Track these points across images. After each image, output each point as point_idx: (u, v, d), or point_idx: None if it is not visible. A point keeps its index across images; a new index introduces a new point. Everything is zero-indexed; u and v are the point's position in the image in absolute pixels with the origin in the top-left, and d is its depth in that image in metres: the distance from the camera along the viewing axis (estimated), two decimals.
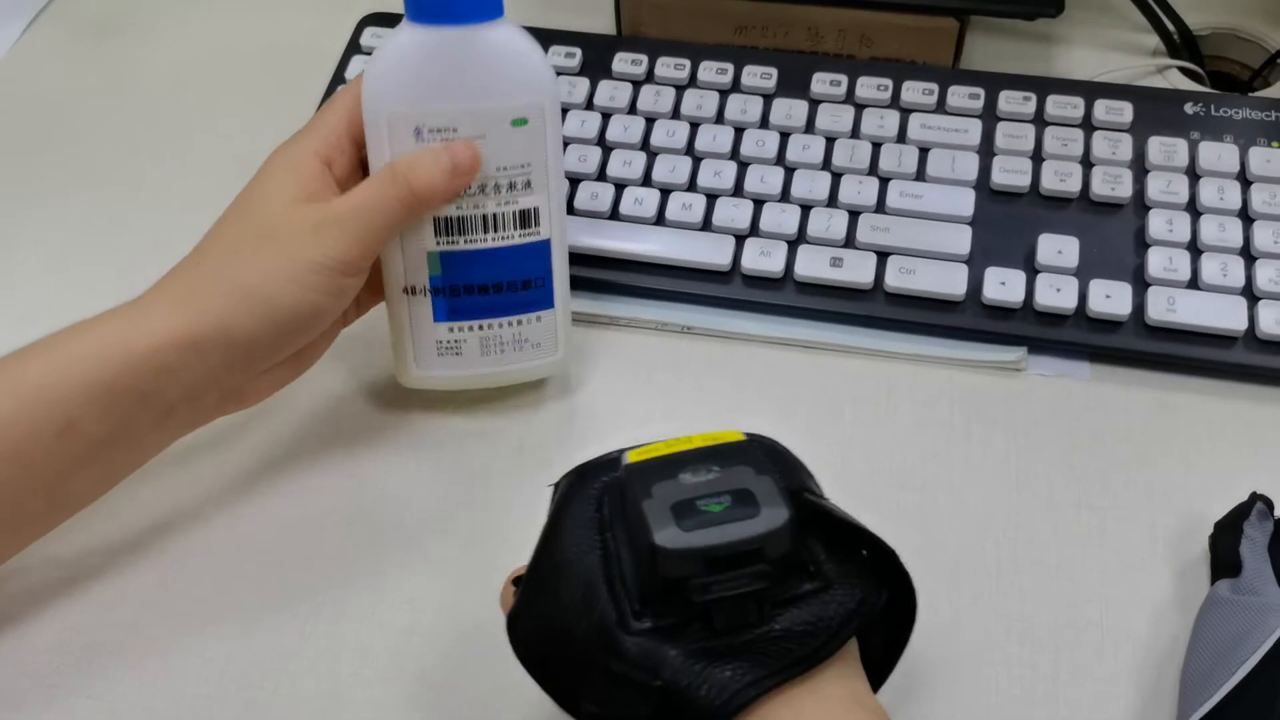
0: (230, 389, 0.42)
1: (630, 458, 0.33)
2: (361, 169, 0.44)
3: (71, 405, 0.39)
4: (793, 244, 0.52)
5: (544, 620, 0.33)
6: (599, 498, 0.34)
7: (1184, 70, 0.62)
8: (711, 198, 0.53)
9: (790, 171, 0.54)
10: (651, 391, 0.50)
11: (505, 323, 0.46)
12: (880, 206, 0.53)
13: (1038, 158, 0.54)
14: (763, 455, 0.33)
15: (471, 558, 0.45)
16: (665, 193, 0.54)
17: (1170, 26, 0.63)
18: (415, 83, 0.42)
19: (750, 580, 0.31)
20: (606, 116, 0.56)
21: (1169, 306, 0.49)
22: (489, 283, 0.45)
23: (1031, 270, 0.50)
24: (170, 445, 0.43)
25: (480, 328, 0.46)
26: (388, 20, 0.62)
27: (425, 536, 0.46)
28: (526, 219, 0.44)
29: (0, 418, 0.38)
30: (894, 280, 0.50)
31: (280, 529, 0.46)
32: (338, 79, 0.60)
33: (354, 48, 0.61)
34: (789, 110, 0.56)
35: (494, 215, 0.44)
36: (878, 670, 0.35)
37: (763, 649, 0.31)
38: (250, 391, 0.44)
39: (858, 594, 0.32)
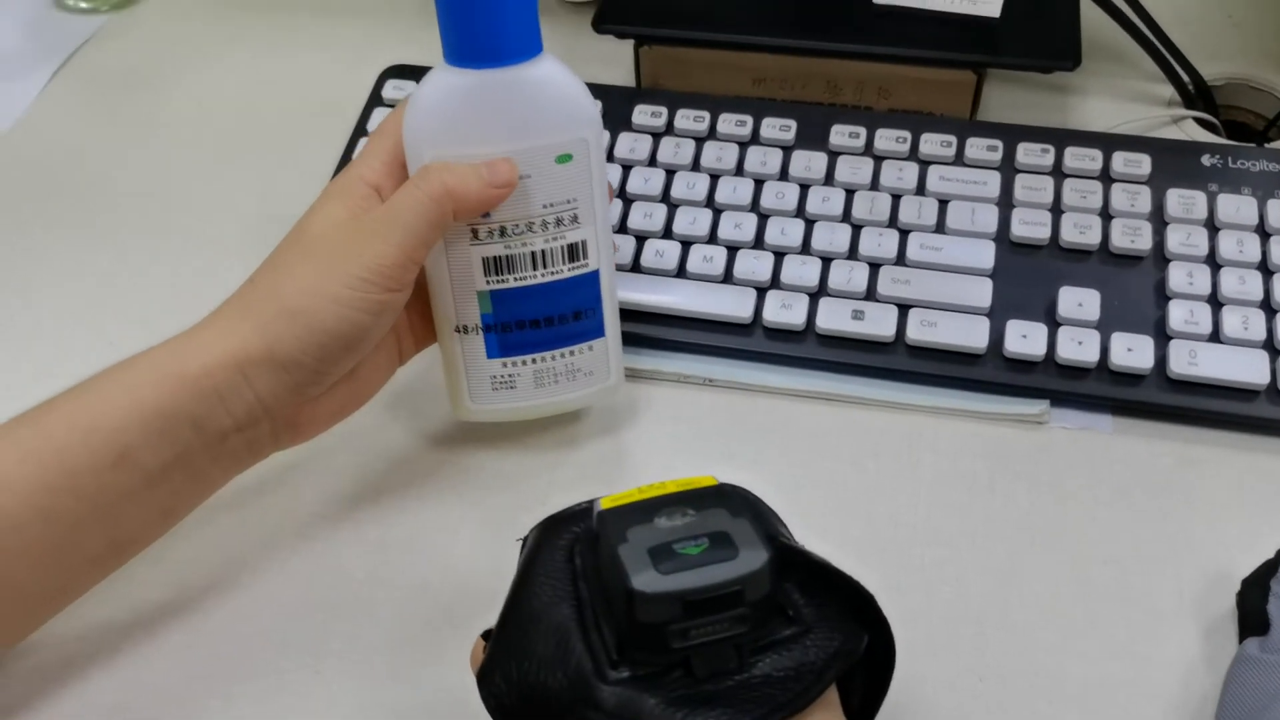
0: (283, 419, 0.42)
1: (604, 504, 0.33)
2: None
3: (126, 434, 0.39)
4: (814, 296, 0.52)
5: (517, 674, 0.32)
6: (570, 548, 0.33)
7: (1199, 120, 0.63)
8: (732, 250, 0.54)
9: (810, 223, 0.54)
10: (674, 444, 0.50)
11: (558, 354, 0.46)
12: (901, 259, 0.53)
13: (1057, 210, 0.54)
14: (738, 500, 0.33)
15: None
16: (686, 245, 0.54)
17: (1185, 77, 0.63)
18: (456, 126, 0.42)
19: (730, 625, 0.30)
20: (627, 169, 0.57)
21: (1191, 360, 0.49)
22: (540, 317, 0.45)
23: (1053, 323, 0.51)
24: (226, 484, 0.43)
25: (533, 361, 0.46)
26: (410, 72, 0.63)
27: (461, 600, 0.46)
28: (575, 252, 0.45)
29: (56, 447, 0.38)
30: (915, 333, 0.51)
31: (304, 588, 0.46)
32: (360, 130, 0.61)
33: (376, 99, 0.62)
34: (808, 162, 0.56)
35: (542, 251, 0.44)
36: (858, 717, 0.35)
37: (744, 695, 0.30)
38: (304, 423, 0.43)
39: (838, 638, 0.32)
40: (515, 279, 0.44)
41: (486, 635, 0.34)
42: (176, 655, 0.44)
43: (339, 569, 0.46)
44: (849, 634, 0.32)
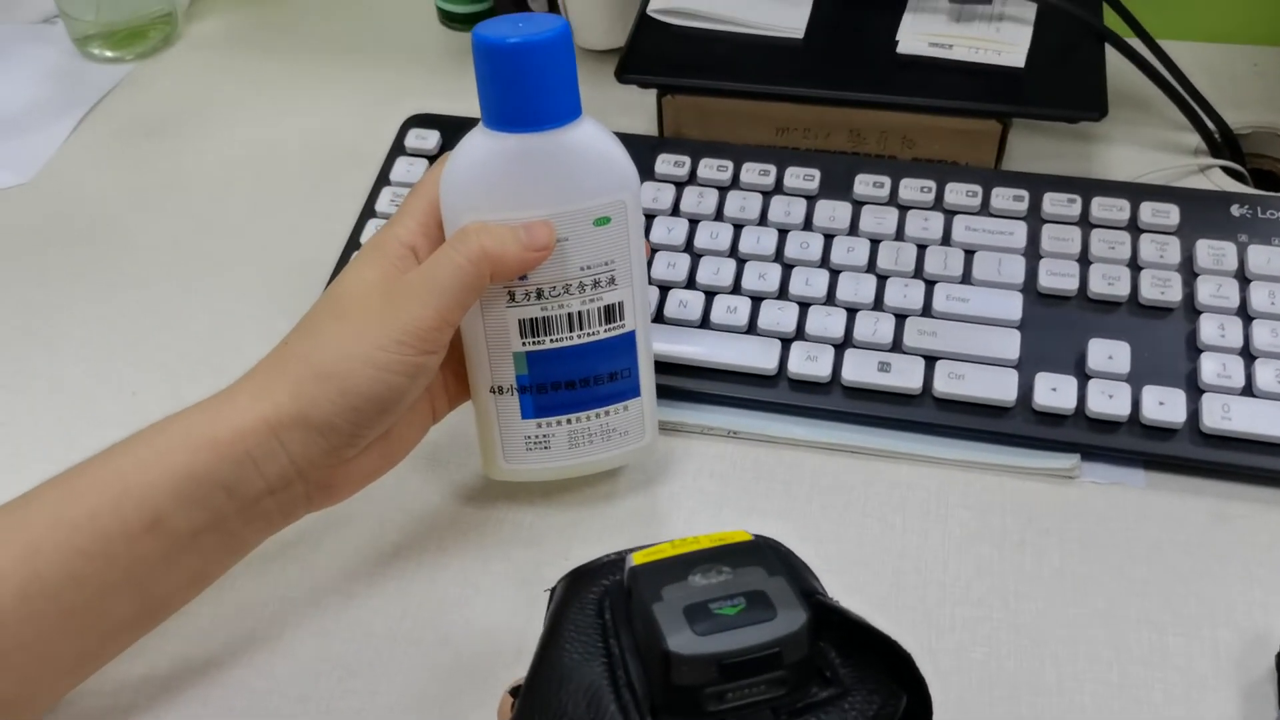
0: (316, 481, 0.42)
1: (636, 559, 0.32)
2: None
3: (159, 498, 0.38)
4: (839, 348, 0.52)
5: None
6: (599, 602, 0.32)
7: (1226, 169, 0.62)
8: (756, 300, 0.53)
9: (835, 274, 0.54)
10: (698, 498, 0.49)
11: (593, 415, 0.46)
12: (927, 310, 0.52)
13: (1085, 260, 0.54)
14: (773, 556, 0.32)
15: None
16: (710, 295, 0.54)
17: (1211, 126, 0.63)
18: (494, 190, 0.42)
19: (767, 687, 0.29)
20: (650, 218, 0.57)
21: (1224, 414, 0.48)
22: (576, 378, 0.45)
23: (1083, 375, 0.50)
24: (260, 545, 0.43)
25: (568, 421, 0.46)
26: (432, 122, 0.63)
27: (484, 657, 0.45)
28: (611, 314, 0.44)
29: (88, 512, 0.38)
30: (943, 385, 0.50)
31: (323, 643, 0.45)
32: (382, 180, 0.61)
33: (399, 149, 0.62)
34: (832, 212, 0.56)
35: (579, 313, 0.44)
36: None
37: None
38: (338, 484, 0.43)
39: (876, 701, 0.31)
40: (551, 340, 0.44)
41: (515, 691, 0.33)
42: (192, 710, 0.43)
43: (358, 624, 0.46)
44: (887, 696, 0.31)
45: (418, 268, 0.41)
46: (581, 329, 0.44)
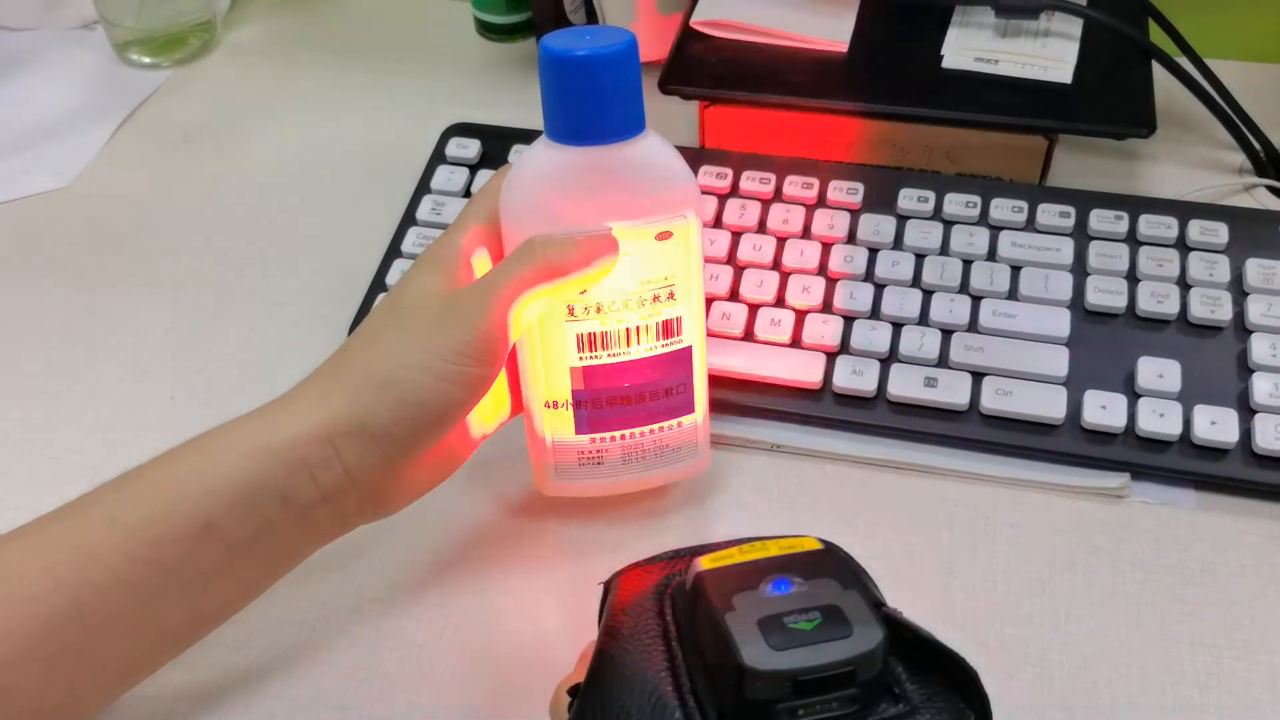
0: (370, 491, 0.41)
1: (704, 564, 0.31)
2: None
3: (212, 505, 0.38)
4: (884, 362, 0.51)
5: None
6: (659, 601, 0.32)
7: (1272, 189, 0.62)
8: (800, 314, 0.53)
9: (880, 288, 0.53)
10: (742, 513, 0.49)
11: (647, 431, 0.45)
12: (973, 325, 0.52)
13: (1133, 278, 0.53)
14: (844, 567, 0.32)
15: None
16: (754, 308, 0.53)
17: (1256, 145, 0.62)
18: (556, 203, 0.41)
19: (838, 705, 0.29)
20: None
21: (1277, 434, 0.47)
22: (632, 393, 0.44)
23: (1132, 394, 0.49)
24: (312, 555, 0.42)
25: (622, 437, 0.45)
26: (473, 131, 0.63)
27: (526, 670, 0.44)
28: (669, 329, 0.44)
29: (142, 518, 0.38)
30: (990, 402, 0.49)
31: (364, 653, 0.45)
32: (423, 188, 0.61)
33: (439, 157, 0.62)
34: (877, 226, 0.56)
35: (637, 328, 0.43)
36: None
37: None
38: (391, 495, 0.42)
39: (945, 719, 0.30)
40: (609, 355, 0.43)
41: (574, 690, 0.33)
42: (233, 718, 0.43)
43: (401, 633, 0.45)
44: (955, 714, 0.31)
45: (480, 278, 0.41)
46: (639, 344, 0.43)
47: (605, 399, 0.44)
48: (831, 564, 0.31)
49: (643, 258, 0.42)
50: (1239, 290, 0.53)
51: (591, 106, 0.39)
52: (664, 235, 0.42)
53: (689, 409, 0.45)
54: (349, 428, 0.39)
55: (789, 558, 0.31)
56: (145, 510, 0.38)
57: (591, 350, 0.43)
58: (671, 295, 0.43)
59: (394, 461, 0.40)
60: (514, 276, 0.40)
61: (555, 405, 0.44)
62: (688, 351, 0.44)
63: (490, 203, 0.43)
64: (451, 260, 0.42)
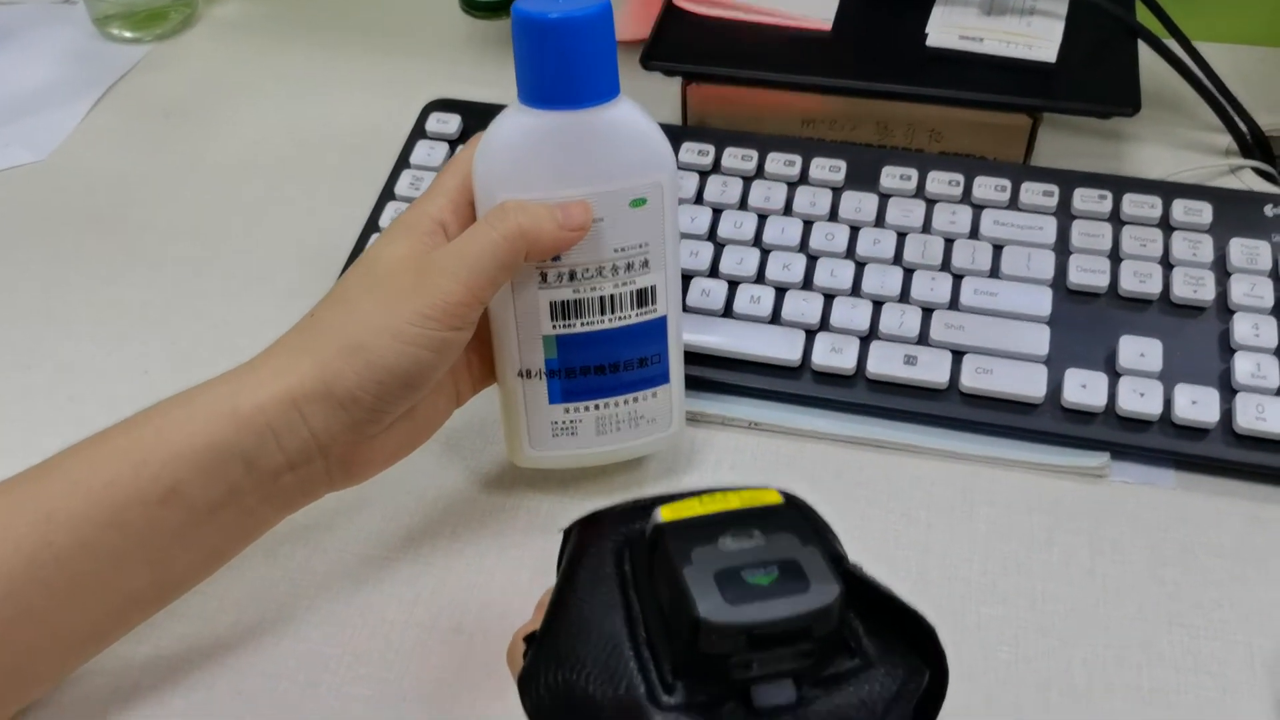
0: (337, 458, 0.41)
1: (663, 515, 0.31)
2: None
3: (176, 469, 0.37)
4: (864, 340, 0.51)
5: (562, 683, 0.30)
6: (619, 551, 0.32)
7: (1257, 170, 0.61)
8: (780, 291, 0.52)
9: (861, 266, 0.53)
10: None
11: (621, 401, 0.45)
12: (954, 304, 0.51)
13: (1116, 257, 0.53)
14: (805, 522, 0.31)
15: None
16: (733, 284, 0.53)
17: (1243, 127, 0.62)
18: (529, 168, 0.41)
19: (793, 659, 0.29)
20: None
21: (1258, 414, 0.47)
22: (606, 363, 0.44)
23: (1113, 373, 0.49)
24: (278, 523, 0.42)
25: (596, 407, 0.45)
26: (453, 107, 0.62)
27: (499, 647, 0.44)
28: (644, 298, 0.43)
29: (104, 481, 0.37)
30: (970, 380, 0.49)
31: (335, 631, 0.44)
32: (402, 163, 0.60)
33: (419, 133, 0.61)
34: (859, 203, 0.55)
35: (611, 296, 0.43)
36: None
37: None
38: (359, 463, 0.42)
39: (900, 674, 0.30)
40: (582, 324, 0.43)
41: (529, 638, 0.32)
42: (198, 694, 0.42)
43: (372, 612, 0.45)
44: (911, 671, 0.30)
45: (452, 242, 0.40)
46: (613, 312, 0.43)
47: (579, 368, 0.44)
48: (791, 519, 0.31)
49: (617, 225, 0.41)
50: (1222, 270, 0.52)
51: (564, 70, 0.39)
52: (639, 202, 0.41)
53: (664, 379, 0.45)
54: (316, 392, 0.39)
55: (749, 511, 0.31)
56: (108, 474, 0.37)
57: (565, 319, 0.43)
58: (646, 264, 0.42)
59: (362, 428, 0.40)
60: (486, 241, 0.40)
61: (528, 374, 0.44)
62: (662, 321, 0.44)
63: (463, 170, 0.42)
64: (423, 226, 0.41)
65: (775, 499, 0.31)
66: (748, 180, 0.57)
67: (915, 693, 0.30)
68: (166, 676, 0.43)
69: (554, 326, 0.43)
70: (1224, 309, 0.51)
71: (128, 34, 0.75)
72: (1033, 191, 0.55)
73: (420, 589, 0.45)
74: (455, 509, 0.48)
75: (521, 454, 0.46)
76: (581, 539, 0.32)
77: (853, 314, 0.51)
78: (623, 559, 0.31)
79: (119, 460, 0.37)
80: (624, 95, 0.41)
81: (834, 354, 0.50)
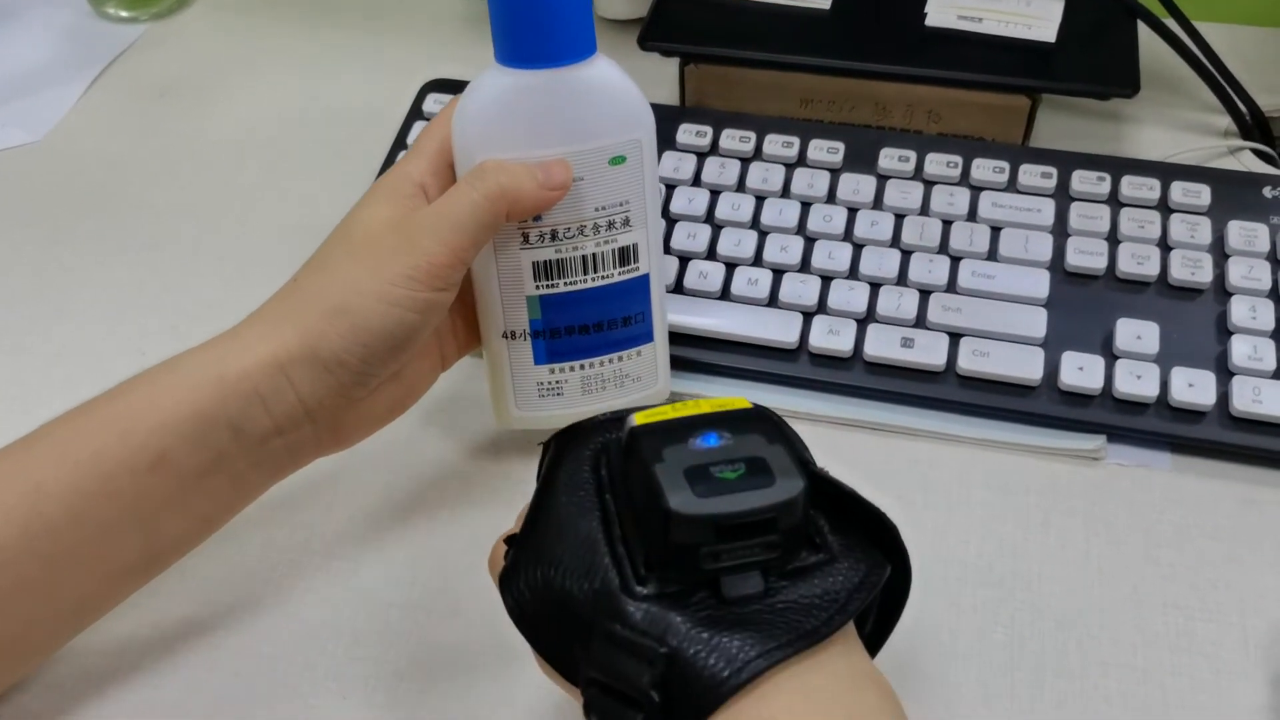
0: (325, 422, 0.41)
1: (637, 419, 0.32)
2: None
3: (164, 436, 0.37)
4: (862, 322, 0.51)
5: (541, 580, 0.32)
6: (595, 458, 0.33)
7: (1257, 152, 0.61)
8: (778, 273, 0.52)
9: (858, 248, 0.53)
10: None
11: (606, 360, 0.45)
12: (951, 286, 0.51)
13: (1113, 239, 0.53)
14: (771, 425, 0.32)
15: None
16: (730, 267, 0.53)
17: (1243, 108, 0.61)
18: (508, 130, 0.41)
19: (760, 550, 0.30)
20: (671, 188, 0.56)
21: (1255, 397, 0.47)
22: (590, 322, 0.44)
23: (1110, 356, 0.49)
24: (268, 490, 0.42)
25: (581, 367, 0.45)
26: (450, 86, 0.62)
27: (493, 626, 0.44)
28: (626, 256, 0.43)
29: (93, 450, 0.37)
30: (967, 362, 0.49)
31: (332, 610, 0.45)
32: (400, 144, 0.60)
33: (416, 113, 0.61)
34: (856, 185, 0.55)
35: (593, 255, 0.43)
36: (868, 646, 0.34)
37: (769, 620, 0.30)
38: (347, 427, 0.42)
39: (862, 569, 0.32)
40: (565, 284, 0.43)
41: (510, 540, 0.34)
42: (198, 675, 0.43)
43: (367, 591, 0.45)
44: (873, 565, 0.32)
45: (433, 204, 0.40)
46: (596, 271, 0.43)
47: (564, 328, 0.44)
48: (759, 422, 0.32)
49: (597, 183, 0.42)
50: (1220, 252, 0.52)
51: (541, 29, 0.39)
52: (618, 160, 0.41)
53: (648, 337, 0.45)
54: (301, 356, 0.39)
55: (719, 414, 0.32)
56: (96, 443, 0.37)
57: (548, 279, 0.43)
58: (627, 222, 0.43)
59: (348, 391, 0.40)
60: (467, 201, 0.40)
61: (513, 336, 0.44)
62: (645, 280, 0.44)
63: (442, 132, 0.42)
64: (403, 188, 0.41)
65: (744, 404, 0.33)
66: (745, 162, 0.56)
67: (876, 585, 0.32)
68: (165, 657, 0.43)
69: (537, 287, 0.43)
70: (1222, 291, 0.51)
71: (124, 13, 0.74)
72: (1031, 173, 0.55)
73: (417, 571, 0.45)
74: (449, 488, 0.48)
75: (508, 416, 0.46)
76: (560, 448, 0.34)
77: (850, 296, 0.51)
78: (599, 464, 0.33)
79: (106, 429, 0.38)
80: (601, 54, 0.41)
81: (831, 336, 0.50)
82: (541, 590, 0.32)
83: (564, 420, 0.45)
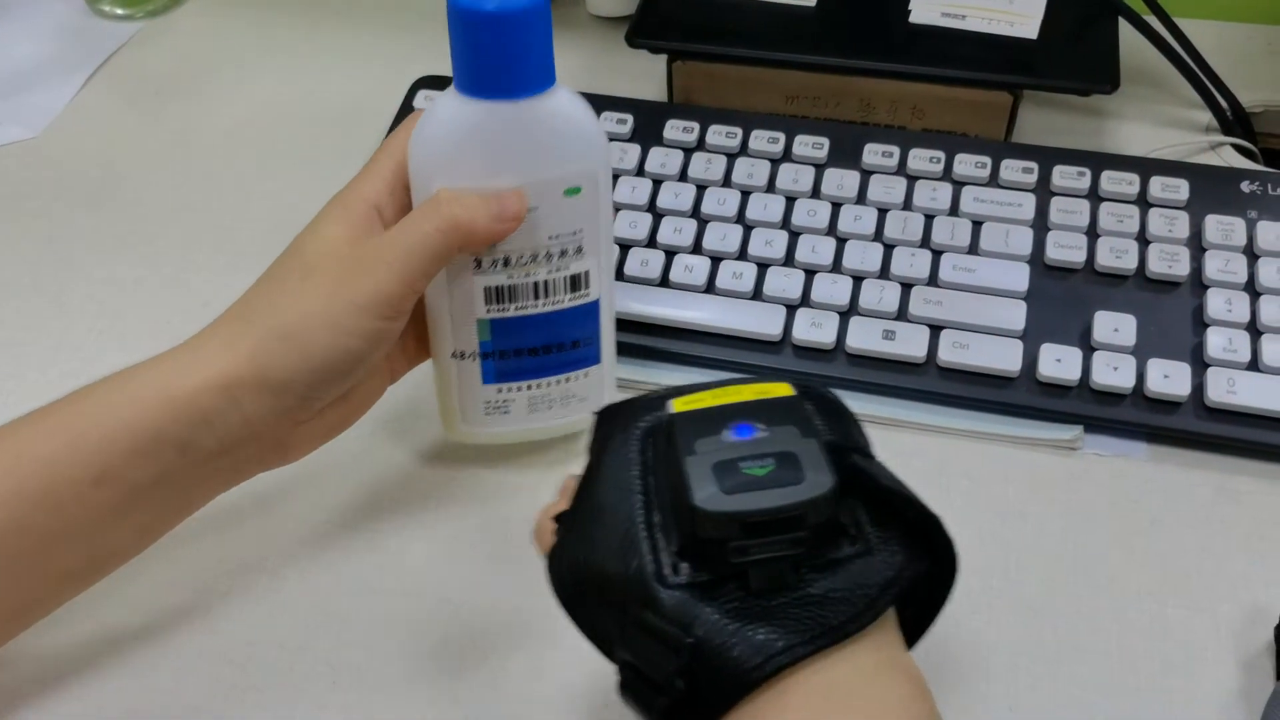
0: (271, 440, 0.41)
1: (676, 406, 0.33)
2: None
3: (110, 452, 0.38)
4: (844, 315, 0.51)
5: (582, 562, 0.32)
6: (644, 437, 0.33)
7: (1237, 147, 0.62)
8: (762, 267, 0.53)
9: (842, 242, 0.54)
10: None
11: (553, 381, 0.46)
12: (933, 279, 0.52)
13: (1093, 233, 0.54)
14: (811, 412, 0.33)
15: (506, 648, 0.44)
16: (716, 261, 0.53)
17: (1223, 103, 0.62)
18: (464, 158, 0.41)
19: (788, 545, 0.30)
20: (658, 183, 0.56)
21: (1229, 388, 0.48)
22: (539, 345, 0.45)
23: (1088, 347, 0.50)
24: (212, 501, 0.42)
25: (529, 387, 0.45)
26: (441, 83, 0.63)
27: (477, 615, 0.45)
28: (577, 283, 0.44)
29: (38, 462, 0.38)
30: (947, 355, 0.50)
31: (323, 598, 0.45)
32: None
33: (407, 109, 0.62)
34: (840, 180, 0.56)
35: (545, 282, 0.43)
36: (909, 633, 0.34)
37: (797, 614, 0.30)
38: (293, 444, 0.43)
39: (898, 561, 0.31)
40: (516, 308, 0.44)
41: (559, 517, 0.34)
42: (191, 661, 0.44)
43: (358, 579, 0.46)
44: (910, 558, 0.32)
45: (387, 232, 0.41)
46: (547, 297, 0.44)
47: (513, 350, 0.44)
48: (797, 412, 0.32)
49: (551, 212, 0.42)
50: (1198, 246, 0.53)
51: (500, 62, 0.39)
52: (573, 190, 0.42)
53: (595, 359, 0.46)
54: (250, 379, 0.39)
55: (757, 404, 0.32)
56: (42, 454, 0.38)
57: (499, 303, 0.43)
58: (579, 250, 0.43)
59: (294, 413, 0.41)
60: (420, 233, 0.40)
61: (462, 356, 0.45)
62: (594, 305, 0.45)
63: (399, 151, 0.42)
64: (358, 208, 0.41)
65: (787, 391, 0.33)
66: (732, 157, 0.57)
67: (910, 579, 0.32)
68: (157, 646, 0.44)
69: (488, 311, 0.43)
70: (1198, 284, 0.52)
71: (119, 11, 0.75)
72: (1012, 168, 0.56)
73: (404, 557, 0.46)
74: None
75: (455, 430, 0.47)
76: (610, 425, 0.34)
77: (833, 290, 0.52)
78: (646, 445, 0.33)
79: (52, 441, 0.38)
80: (560, 84, 0.41)
81: (814, 329, 0.51)
82: (583, 570, 0.32)
83: (510, 437, 0.47)
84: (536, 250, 0.43)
